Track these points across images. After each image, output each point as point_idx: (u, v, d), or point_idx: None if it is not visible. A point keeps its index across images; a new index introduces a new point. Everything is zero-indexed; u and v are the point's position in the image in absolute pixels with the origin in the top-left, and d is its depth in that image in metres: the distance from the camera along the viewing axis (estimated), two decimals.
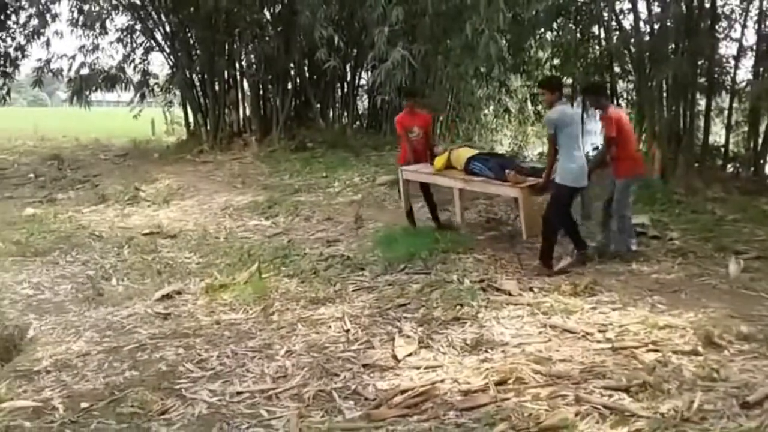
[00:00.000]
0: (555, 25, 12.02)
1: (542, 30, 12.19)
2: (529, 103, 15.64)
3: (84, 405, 3.80)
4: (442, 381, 3.82)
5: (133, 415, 3.65)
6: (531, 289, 5.46)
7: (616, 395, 3.53)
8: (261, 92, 15.98)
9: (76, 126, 23.31)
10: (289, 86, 15.35)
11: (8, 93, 15.37)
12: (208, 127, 16.01)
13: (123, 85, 16.24)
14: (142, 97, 16.79)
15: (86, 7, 15.75)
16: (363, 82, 16.11)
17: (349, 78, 15.69)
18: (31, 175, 14.37)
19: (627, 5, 11.15)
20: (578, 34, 12.08)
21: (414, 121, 7.42)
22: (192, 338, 4.86)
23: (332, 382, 3.98)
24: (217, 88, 15.85)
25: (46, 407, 3.82)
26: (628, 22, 11.65)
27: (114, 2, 15.56)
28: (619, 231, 6.32)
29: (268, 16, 14.26)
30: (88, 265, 7.33)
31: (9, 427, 3.61)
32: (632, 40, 10.17)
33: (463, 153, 7.10)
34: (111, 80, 16.01)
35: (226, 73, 15.55)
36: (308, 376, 4.08)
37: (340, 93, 16.07)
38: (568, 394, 3.56)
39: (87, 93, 15.65)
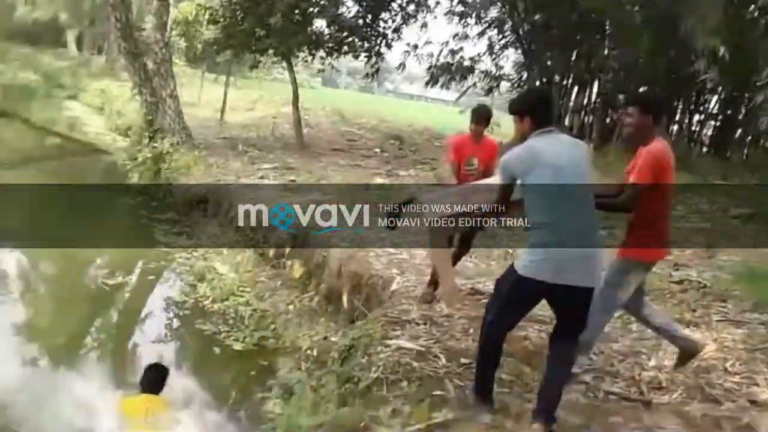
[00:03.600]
0: None
1: None
2: None
3: (464, 361, 3.99)
4: None
5: (512, 383, 3.74)
6: None
7: None
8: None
9: (402, 113, 25.41)
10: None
11: (377, 72, 15.94)
12: None
13: (480, 77, 16.88)
14: (489, 91, 17.17)
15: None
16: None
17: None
18: (377, 150, 15.84)
19: None
20: None
21: (476, 149, 5.23)
22: None
23: (717, 409, 3.65)
24: (566, 90, 15.71)
25: (429, 354, 4.11)
26: None
27: None
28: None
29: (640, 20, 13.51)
30: None
31: (399, 363, 3.95)
32: None
33: None
34: (467, 71, 16.70)
35: (580, 76, 15.30)
36: (686, 395, 3.80)
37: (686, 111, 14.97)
38: None
39: (446, 80, 16.53)
